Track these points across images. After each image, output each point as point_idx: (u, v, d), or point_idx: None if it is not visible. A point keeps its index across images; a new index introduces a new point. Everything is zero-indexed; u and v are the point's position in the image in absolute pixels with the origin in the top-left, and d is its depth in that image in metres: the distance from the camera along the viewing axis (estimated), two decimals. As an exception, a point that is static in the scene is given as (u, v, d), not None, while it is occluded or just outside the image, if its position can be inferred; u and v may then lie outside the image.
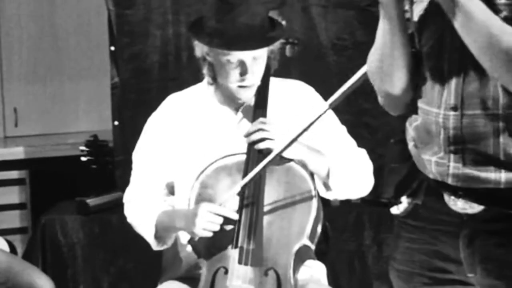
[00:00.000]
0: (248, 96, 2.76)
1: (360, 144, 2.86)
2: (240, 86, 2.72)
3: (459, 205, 2.03)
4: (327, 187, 2.72)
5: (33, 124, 5.24)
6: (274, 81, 2.82)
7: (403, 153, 2.16)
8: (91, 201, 3.99)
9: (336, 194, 2.76)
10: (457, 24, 1.90)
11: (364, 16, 4.31)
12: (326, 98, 2.62)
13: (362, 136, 2.85)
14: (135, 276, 3.96)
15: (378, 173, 2.83)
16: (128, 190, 2.88)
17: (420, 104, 2.07)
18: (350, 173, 2.72)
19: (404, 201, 2.14)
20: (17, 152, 4.90)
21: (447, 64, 2.00)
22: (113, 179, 4.15)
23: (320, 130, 2.75)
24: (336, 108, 2.85)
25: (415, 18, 2.05)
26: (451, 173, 2.01)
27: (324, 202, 2.76)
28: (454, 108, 1.98)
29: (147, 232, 2.77)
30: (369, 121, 4.30)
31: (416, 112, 2.09)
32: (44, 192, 4.78)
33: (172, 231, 2.74)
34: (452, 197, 2.03)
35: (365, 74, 2.27)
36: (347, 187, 2.74)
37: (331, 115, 2.83)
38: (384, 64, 2.07)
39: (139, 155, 2.86)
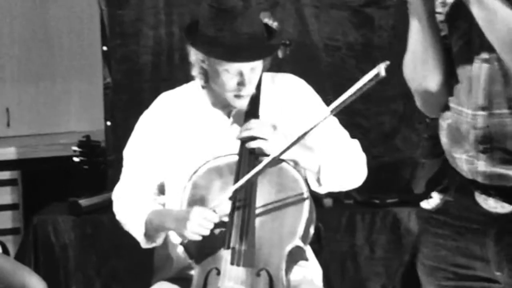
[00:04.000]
0: (243, 105, 2.74)
1: (352, 146, 2.86)
2: (236, 96, 2.70)
3: (490, 204, 2.04)
4: (318, 181, 2.72)
5: (25, 124, 5.24)
6: (265, 76, 2.80)
7: (435, 148, 2.17)
8: (83, 202, 3.98)
9: (328, 188, 2.75)
10: (481, 21, 1.91)
11: (356, 17, 4.32)
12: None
13: (354, 136, 2.84)
14: (127, 277, 3.95)
15: (372, 173, 2.82)
16: (117, 187, 2.87)
17: (451, 103, 2.09)
18: (341, 167, 2.71)
19: (435, 196, 2.16)
20: (9, 153, 4.90)
21: (476, 64, 2.01)
22: (106, 180, 4.15)
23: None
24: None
25: (443, 18, 2.06)
26: (481, 171, 2.03)
27: (316, 202, 2.76)
28: (483, 108, 2.00)
29: (136, 230, 2.76)
30: (362, 122, 4.30)
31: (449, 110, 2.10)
32: (36, 192, 4.77)
33: (162, 230, 2.74)
34: (483, 196, 2.04)
35: (370, 81, 2.28)
36: (338, 181, 2.73)
37: (322, 109, 2.82)
38: (418, 65, 2.09)
39: (130, 153, 2.85)
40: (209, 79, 2.73)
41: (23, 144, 4.99)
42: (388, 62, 2.34)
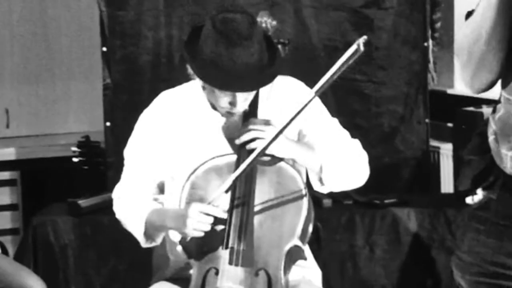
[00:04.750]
0: (235, 119, 2.74)
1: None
2: (228, 112, 2.70)
3: None
4: (321, 181, 2.71)
5: (25, 125, 5.24)
6: None
7: (482, 146, 2.14)
8: (83, 202, 3.98)
9: (331, 187, 2.75)
10: None
11: (356, 18, 4.32)
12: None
13: (354, 137, 2.85)
14: (127, 277, 3.96)
15: (371, 173, 2.82)
16: (117, 186, 2.87)
17: (504, 93, 2.04)
18: (343, 167, 2.70)
19: (480, 193, 2.14)
20: (8, 153, 4.91)
21: None
22: (105, 180, 4.15)
23: (311, 125, 2.74)
24: (328, 109, 2.85)
25: None
26: None
27: (316, 203, 2.75)
28: None
29: (136, 230, 2.76)
30: (361, 123, 4.31)
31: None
32: (36, 193, 4.78)
33: (162, 230, 2.74)
34: None
35: (349, 59, 2.26)
36: (340, 180, 2.72)
37: (322, 109, 2.82)
38: (479, 42, 1.99)
39: (130, 152, 2.85)
40: (206, 90, 2.72)
41: (22, 145, 5.00)
42: (365, 37, 2.33)
